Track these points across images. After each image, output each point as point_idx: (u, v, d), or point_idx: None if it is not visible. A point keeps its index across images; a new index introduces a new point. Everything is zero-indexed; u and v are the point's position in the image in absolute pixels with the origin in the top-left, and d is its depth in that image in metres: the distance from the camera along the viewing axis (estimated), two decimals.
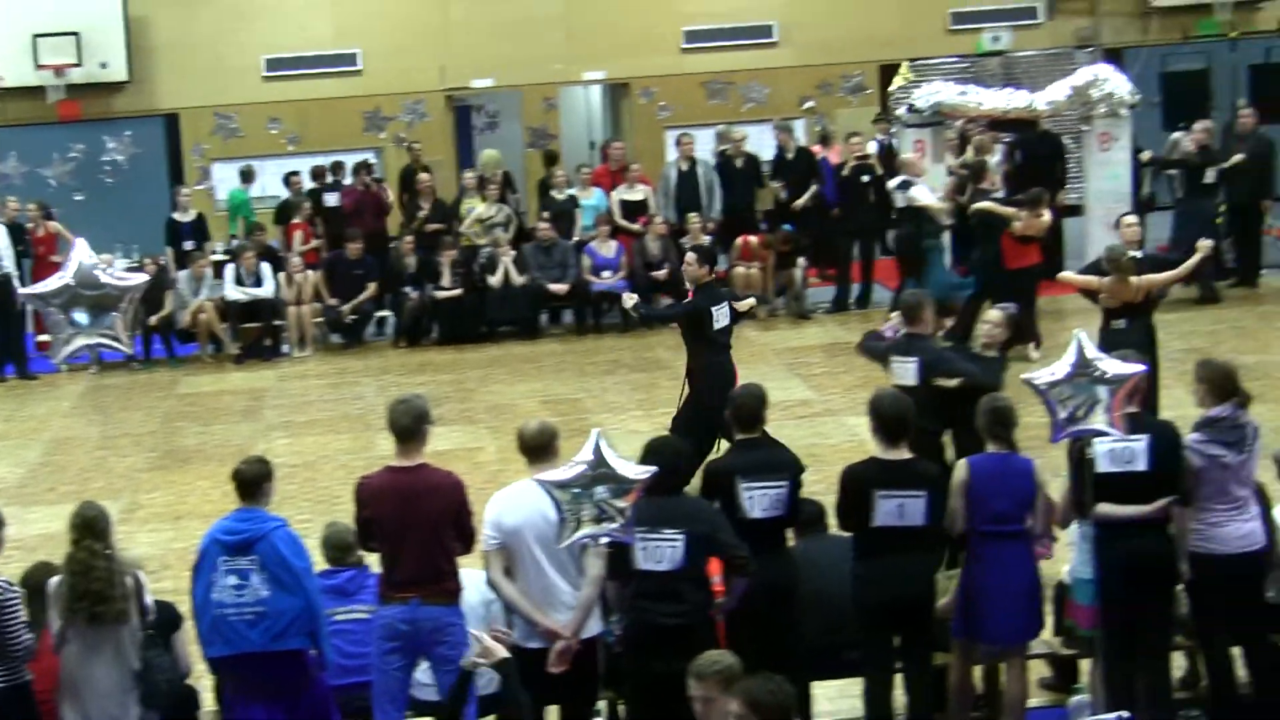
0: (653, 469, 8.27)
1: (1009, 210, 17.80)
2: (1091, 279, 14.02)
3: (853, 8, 25.93)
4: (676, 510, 8.62)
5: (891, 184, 19.77)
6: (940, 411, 10.87)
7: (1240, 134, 21.14)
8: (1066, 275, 14.81)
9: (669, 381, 18.08)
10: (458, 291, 20.75)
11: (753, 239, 21.31)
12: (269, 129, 25.63)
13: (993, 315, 11.89)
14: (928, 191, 19.17)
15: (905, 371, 11.23)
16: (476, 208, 21.74)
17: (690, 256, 13.77)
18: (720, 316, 13.40)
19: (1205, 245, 14.86)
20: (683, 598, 8.56)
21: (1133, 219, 14.92)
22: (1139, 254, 14.28)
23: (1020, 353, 15.30)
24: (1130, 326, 13.53)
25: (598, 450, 8.08)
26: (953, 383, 11.14)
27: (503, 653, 7.66)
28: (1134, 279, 13.65)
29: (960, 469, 9.16)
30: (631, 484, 8.09)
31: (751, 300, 15.17)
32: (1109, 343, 11.34)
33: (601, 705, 9.21)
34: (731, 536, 8.70)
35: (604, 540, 8.24)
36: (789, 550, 9.33)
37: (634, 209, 21.83)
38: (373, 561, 9.15)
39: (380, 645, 8.74)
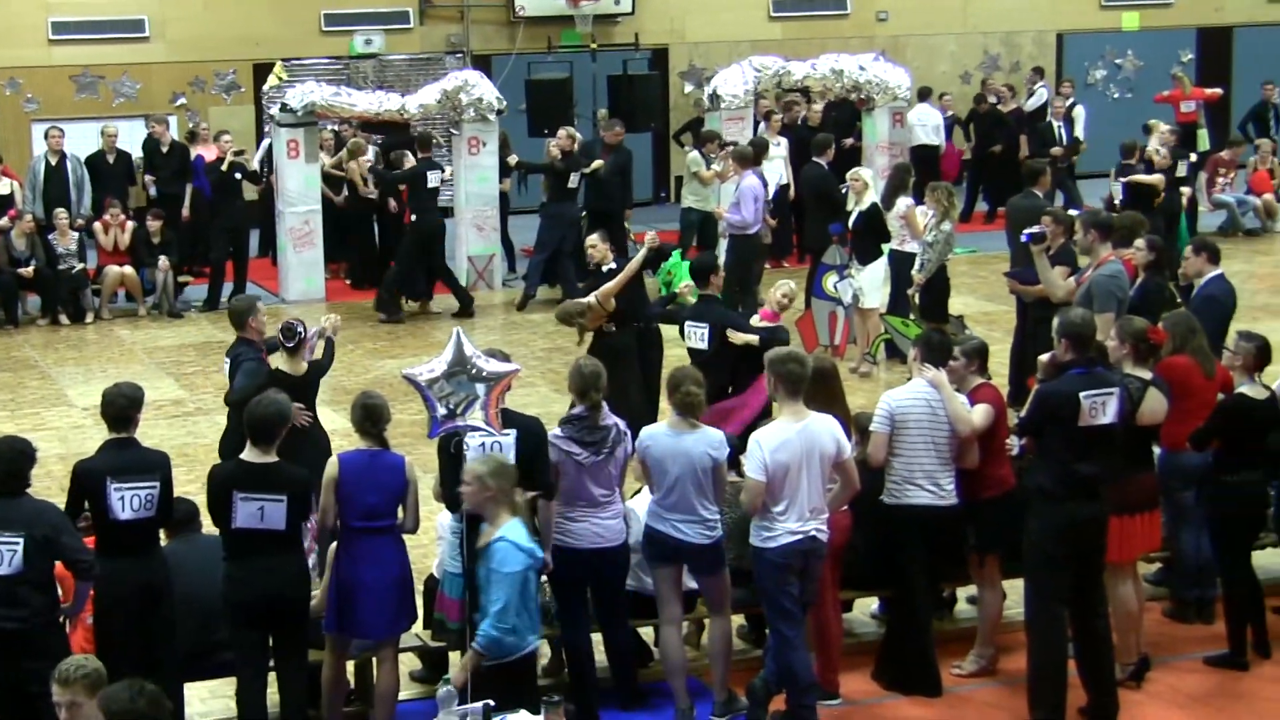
0: None
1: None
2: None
3: (226, 5, 25.69)
4: (17, 513, 8.52)
5: None
6: None
7: (609, 145, 21.84)
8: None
9: (36, 381, 17.63)
10: None
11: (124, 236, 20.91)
12: None
13: None
14: None
15: None
16: None
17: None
18: None
19: (650, 236, 14.52)
20: (23, 602, 8.48)
21: (595, 238, 14.55)
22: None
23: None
24: (619, 332, 13.78)
25: None
26: None
27: None
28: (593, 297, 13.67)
29: (331, 465, 9.29)
30: None
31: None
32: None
33: None
34: (75, 539, 8.64)
35: None
36: (160, 551, 9.28)
37: None
38: None
39: None
